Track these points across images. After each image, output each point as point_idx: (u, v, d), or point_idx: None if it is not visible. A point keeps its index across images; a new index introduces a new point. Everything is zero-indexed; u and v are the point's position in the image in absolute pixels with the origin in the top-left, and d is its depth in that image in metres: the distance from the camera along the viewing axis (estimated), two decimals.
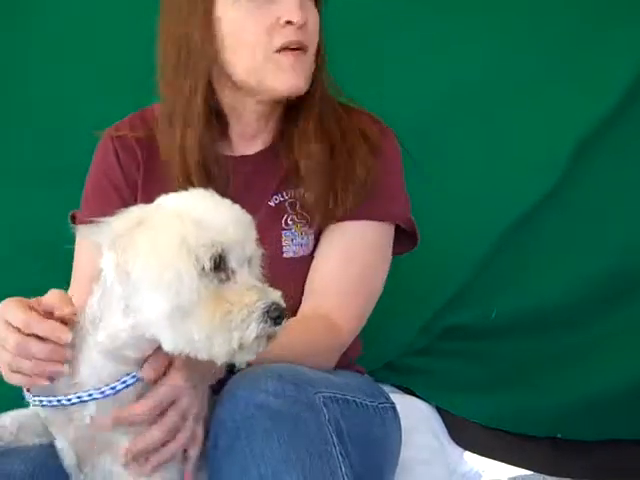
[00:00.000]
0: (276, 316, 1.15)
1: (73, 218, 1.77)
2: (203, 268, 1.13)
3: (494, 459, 2.49)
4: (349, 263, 1.61)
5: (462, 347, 2.40)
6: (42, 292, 1.25)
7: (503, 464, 2.49)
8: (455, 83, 2.29)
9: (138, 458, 1.24)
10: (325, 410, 1.33)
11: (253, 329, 1.14)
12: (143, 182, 1.70)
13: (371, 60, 2.28)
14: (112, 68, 2.23)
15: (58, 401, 1.22)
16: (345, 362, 1.70)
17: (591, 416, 2.36)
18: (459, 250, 2.34)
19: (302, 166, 1.63)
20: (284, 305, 1.17)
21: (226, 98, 1.65)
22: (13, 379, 1.23)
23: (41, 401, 1.23)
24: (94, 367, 1.22)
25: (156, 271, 1.13)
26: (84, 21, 2.27)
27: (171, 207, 1.19)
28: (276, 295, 1.17)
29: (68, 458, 1.28)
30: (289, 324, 1.34)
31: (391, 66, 2.30)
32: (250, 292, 1.15)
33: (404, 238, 1.73)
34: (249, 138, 1.70)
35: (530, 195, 2.32)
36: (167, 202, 1.21)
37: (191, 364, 1.24)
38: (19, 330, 1.20)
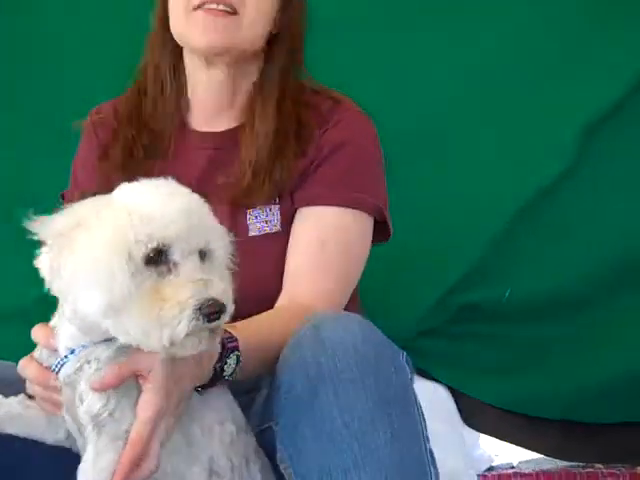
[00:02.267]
0: (208, 312, 1.11)
1: (62, 197, 1.79)
2: (139, 263, 1.12)
3: (505, 441, 2.50)
4: (321, 248, 1.59)
5: (476, 329, 2.38)
6: None
7: (515, 447, 2.49)
8: (465, 69, 2.29)
9: None
10: (408, 369, 1.32)
11: (183, 327, 1.11)
12: None
13: (385, 48, 2.30)
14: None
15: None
16: None
17: (605, 399, 2.35)
18: (471, 229, 2.33)
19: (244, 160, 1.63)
20: (222, 300, 1.13)
21: (188, 69, 1.70)
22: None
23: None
24: (69, 337, 1.24)
25: (89, 268, 1.13)
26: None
27: (119, 201, 1.18)
28: (216, 290, 1.13)
29: (70, 425, 1.30)
30: (266, 317, 1.47)
31: (402, 55, 2.30)
32: (185, 287, 1.12)
33: (381, 229, 1.70)
34: (213, 114, 1.71)
35: (546, 175, 2.30)
36: (119, 194, 1.20)
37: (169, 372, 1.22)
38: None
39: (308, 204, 1.62)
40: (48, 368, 1.27)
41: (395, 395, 1.26)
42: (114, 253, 1.12)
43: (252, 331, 1.39)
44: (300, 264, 1.59)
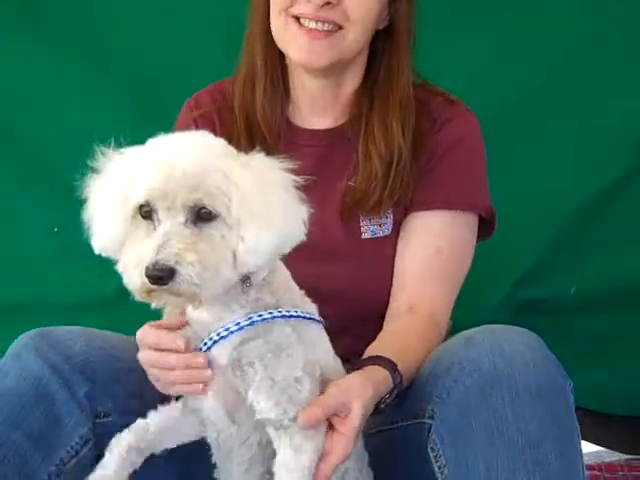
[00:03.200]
0: (149, 275, 1.15)
1: None
2: (132, 214, 1.21)
3: None
4: (438, 255, 1.60)
5: (541, 323, 2.30)
6: None
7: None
8: (539, 70, 2.29)
9: None
10: (572, 397, 1.34)
11: (134, 282, 1.18)
12: None
13: (460, 44, 2.28)
14: None
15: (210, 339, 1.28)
16: None
17: None
18: (537, 224, 2.32)
19: (361, 164, 1.61)
20: (170, 265, 1.14)
21: (289, 67, 1.66)
22: (170, 391, 1.34)
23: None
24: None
25: (95, 210, 1.25)
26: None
27: (133, 153, 1.25)
28: (166, 255, 1.15)
29: (217, 415, 1.32)
30: (411, 336, 1.49)
31: (475, 50, 2.29)
32: (141, 247, 1.18)
33: (481, 225, 1.70)
34: (319, 112, 1.68)
35: (612, 171, 2.29)
36: (148, 144, 1.26)
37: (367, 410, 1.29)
38: (154, 349, 1.33)
39: (422, 208, 1.61)
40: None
41: (566, 417, 1.29)
42: (111, 202, 1.23)
43: (409, 359, 1.43)
44: (418, 272, 1.59)
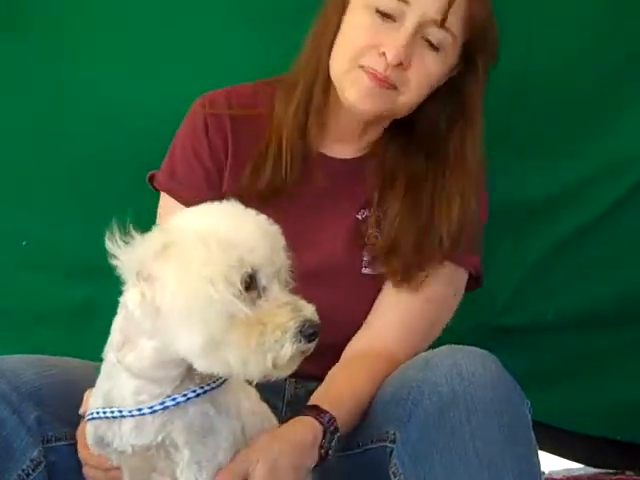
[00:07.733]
0: (309, 334, 1.12)
1: (151, 178, 1.73)
2: (235, 292, 1.10)
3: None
4: (411, 298, 1.61)
5: (515, 341, 2.34)
6: None
7: (546, 454, 2.48)
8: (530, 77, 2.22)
9: None
10: (529, 416, 1.35)
11: (287, 349, 1.11)
12: (231, 165, 1.67)
13: None
14: None
15: (112, 412, 1.21)
16: None
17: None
18: (514, 252, 2.29)
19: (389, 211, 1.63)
20: (318, 320, 1.14)
21: (333, 96, 1.66)
22: None
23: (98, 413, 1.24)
24: (128, 391, 1.21)
25: (184, 303, 1.09)
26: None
27: (194, 229, 1.14)
28: (309, 310, 1.14)
29: None
30: (354, 366, 1.53)
31: None
32: (282, 310, 1.12)
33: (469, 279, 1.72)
34: (344, 142, 1.70)
35: (592, 201, 2.27)
36: (188, 222, 1.16)
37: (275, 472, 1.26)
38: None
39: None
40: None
41: (523, 438, 1.31)
42: (211, 284, 1.09)
43: (349, 396, 1.44)
44: (389, 317, 1.60)
